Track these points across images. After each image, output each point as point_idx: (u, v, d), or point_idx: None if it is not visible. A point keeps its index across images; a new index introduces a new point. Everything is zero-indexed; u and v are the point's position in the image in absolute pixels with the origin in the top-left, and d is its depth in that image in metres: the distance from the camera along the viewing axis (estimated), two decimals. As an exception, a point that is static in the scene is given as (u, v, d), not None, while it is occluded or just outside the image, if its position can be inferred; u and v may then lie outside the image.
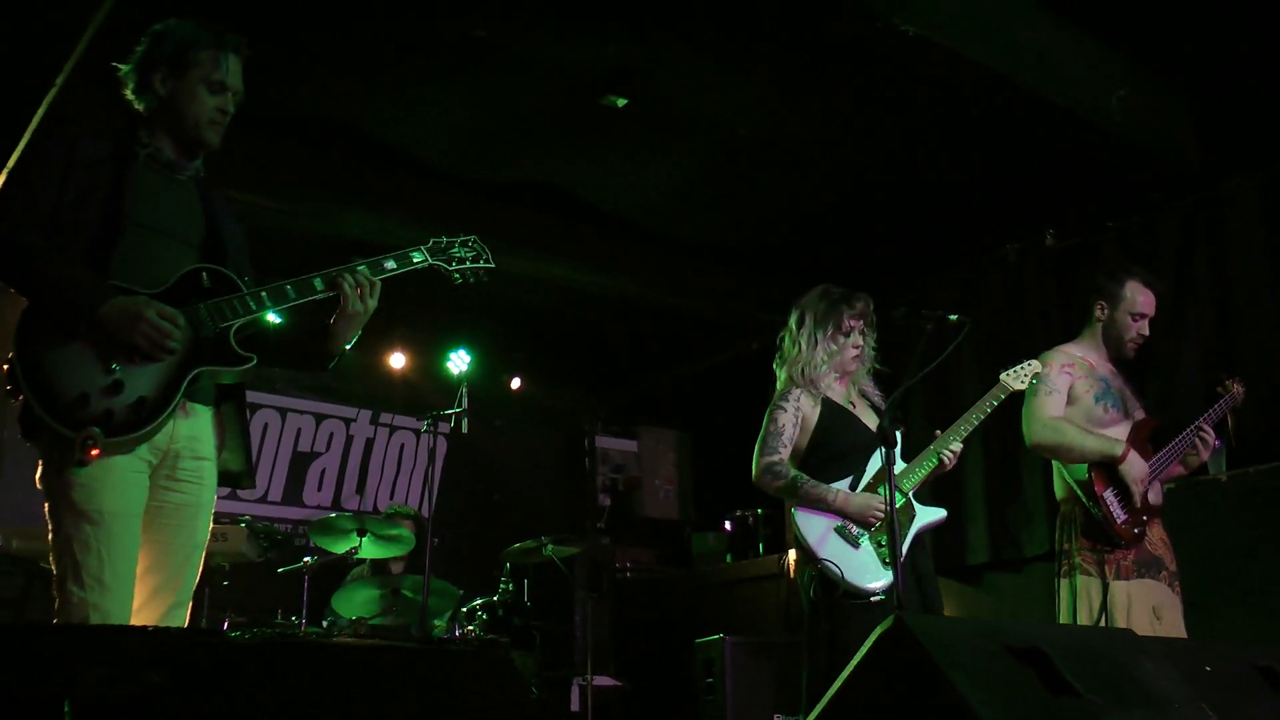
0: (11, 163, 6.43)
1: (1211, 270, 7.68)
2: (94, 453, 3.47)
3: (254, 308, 3.90)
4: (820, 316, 5.48)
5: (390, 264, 4.26)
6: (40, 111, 6.44)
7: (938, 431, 5.37)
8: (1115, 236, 8.18)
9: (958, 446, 5.32)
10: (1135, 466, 5.37)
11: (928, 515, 5.34)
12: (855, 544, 5.12)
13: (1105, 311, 5.70)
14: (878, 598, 5.09)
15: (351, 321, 4.14)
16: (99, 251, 3.66)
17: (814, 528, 5.13)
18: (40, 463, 3.60)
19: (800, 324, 5.52)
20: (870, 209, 8.83)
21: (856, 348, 5.47)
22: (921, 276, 9.19)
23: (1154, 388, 7.32)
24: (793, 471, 5.27)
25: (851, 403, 5.50)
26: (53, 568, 3.59)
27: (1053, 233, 8.52)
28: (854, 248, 9.12)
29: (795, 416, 5.38)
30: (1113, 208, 8.21)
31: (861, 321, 5.49)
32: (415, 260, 4.40)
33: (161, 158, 3.95)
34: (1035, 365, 5.47)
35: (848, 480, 5.21)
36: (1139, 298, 5.67)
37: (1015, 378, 5.42)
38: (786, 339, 5.58)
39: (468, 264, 4.58)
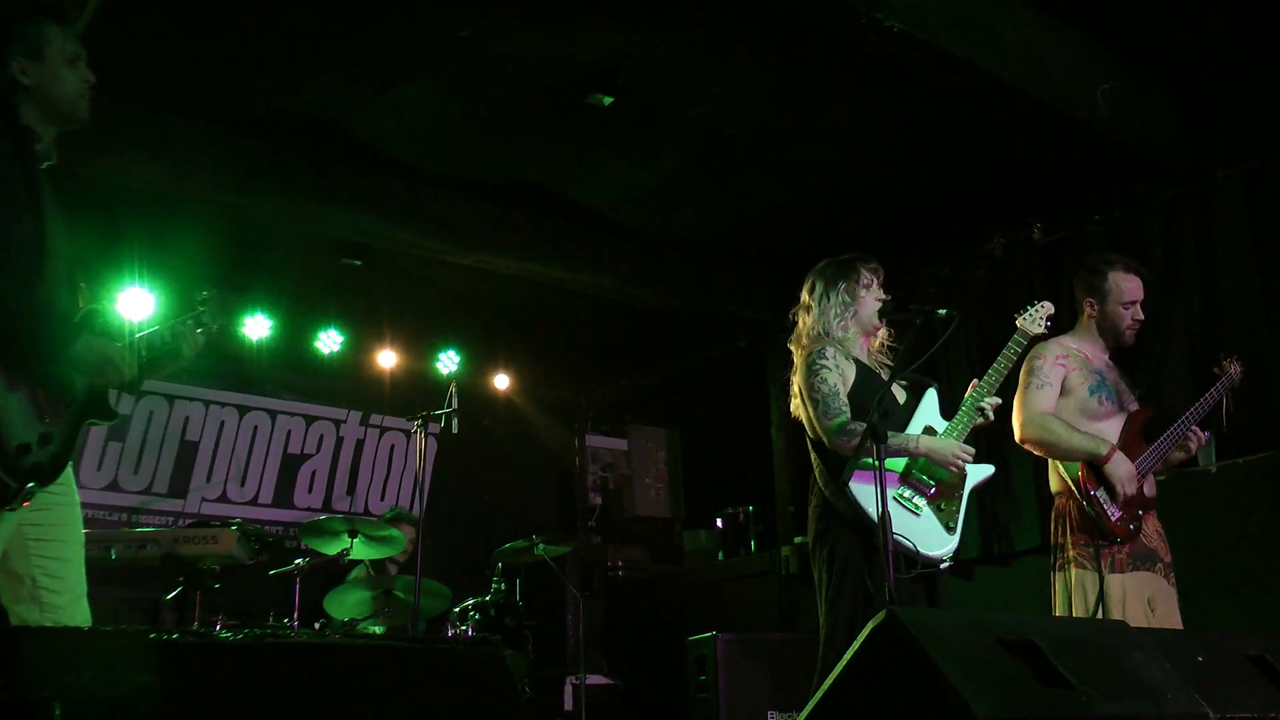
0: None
1: (1198, 262, 7.70)
2: (26, 504, 3.56)
3: (158, 344, 4.06)
4: (834, 276, 5.38)
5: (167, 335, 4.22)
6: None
7: (975, 380, 5.34)
8: (1101, 229, 8.19)
9: (995, 400, 5.28)
10: (1121, 467, 5.36)
11: (979, 472, 5.31)
12: (917, 513, 5.06)
13: (1095, 308, 5.68)
14: (946, 564, 5.09)
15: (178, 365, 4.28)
16: (30, 278, 3.62)
17: (873, 500, 5.01)
18: None
19: (813, 290, 5.42)
20: (856, 204, 8.84)
21: (878, 300, 5.37)
22: (908, 271, 9.19)
23: (1143, 379, 7.32)
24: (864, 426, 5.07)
25: (877, 373, 5.40)
26: None
27: (1039, 226, 8.53)
28: (840, 243, 9.08)
29: (838, 373, 5.20)
30: (1099, 201, 8.22)
31: (874, 279, 5.45)
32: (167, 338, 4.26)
33: (41, 149, 3.87)
34: (1048, 306, 5.48)
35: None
36: (1125, 285, 5.65)
37: (1030, 320, 5.41)
38: (801, 313, 5.45)
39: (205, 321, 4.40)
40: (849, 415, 5.09)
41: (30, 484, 3.52)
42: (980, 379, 5.33)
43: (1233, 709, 3.50)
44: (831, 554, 5.06)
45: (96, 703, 2.24)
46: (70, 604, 3.79)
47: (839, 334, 5.30)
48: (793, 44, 6.85)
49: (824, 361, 5.21)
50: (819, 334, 5.32)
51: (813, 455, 5.28)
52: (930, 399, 5.39)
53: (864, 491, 4.97)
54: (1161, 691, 3.38)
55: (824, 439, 5.15)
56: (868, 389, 5.17)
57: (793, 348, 5.47)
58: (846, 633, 4.90)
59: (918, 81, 7.03)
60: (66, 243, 3.87)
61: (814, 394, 5.17)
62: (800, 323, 5.46)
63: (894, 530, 4.89)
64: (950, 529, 5.13)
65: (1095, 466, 5.37)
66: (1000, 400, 5.34)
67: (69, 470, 3.85)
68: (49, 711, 2.17)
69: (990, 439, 8.41)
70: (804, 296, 5.47)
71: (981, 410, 5.29)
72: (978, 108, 7.33)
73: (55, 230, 3.80)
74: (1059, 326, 6.01)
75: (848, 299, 5.33)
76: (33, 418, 3.55)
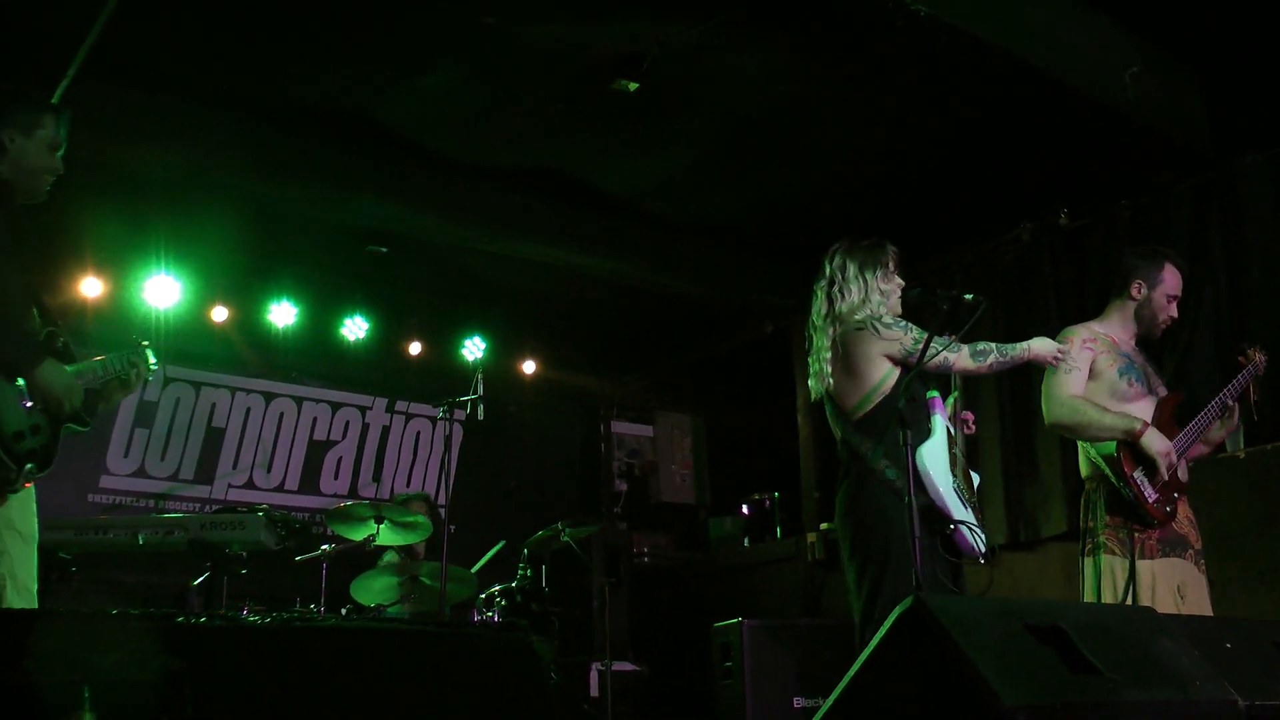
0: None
1: (1225, 247, 7.66)
2: (28, 484, 4.19)
3: (100, 375, 4.55)
4: (866, 260, 5.33)
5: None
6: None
7: (955, 393, 5.35)
8: (1129, 215, 8.16)
9: (968, 413, 5.33)
10: (1156, 440, 5.34)
11: (974, 479, 5.36)
12: (965, 505, 5.05)
13: (1142, 291, 5.67)
14: (984, 561, 5.08)
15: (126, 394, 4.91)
16: (9, 305, 4.21)
17: (942, 486, 5.00)
18: None
19: (844, 269, 5.33)
20: (883, 189, 8.80)
21: (899, 286, 5.35)
22: (935, 256, 9.17)
23: (1169, 365, 7.30)
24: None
25: None
26: None
27: (1066, 212, 8.50)
28: (866, 230, 9.07)
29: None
30: (1126, 186, 8.18)
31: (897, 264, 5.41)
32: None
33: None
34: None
35: (932, 441, 5.10)
36: (1174, 280, 5.67)
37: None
38: (830, 290, 5.35)
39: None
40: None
41: (29, 465, 4.10)
42: (955, 391, 5.34)
43: (1261, 696, 3.49)
44: (883, 537, 4.94)
45: (125, 685, 2.25)
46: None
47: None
48: (818, 29, 6.82)
49: (906, 322, 5.21)
50: (865, 316, 5.24)
51: (853, 438, 5.17)
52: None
53: (932, 481, 4.98)
54: (1190, 679, 3.37)
55: (968, 368, 5.23)
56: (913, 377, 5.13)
57: (821, 323, 5.36)
58: None
59: (944, 66, 7.00)
60: (27, 272, 4.41)
61: (932, 347, 5.05)
62: (833, 300, 5.33)
63: (961, 520, 4.93)
64: (981, 526, 5.13)
65: (1132, 446, 5.35)
66: (972, 414, 5.39)
67: None
68: (78, 694, 2.19)
69: (1016, 425, 8.46)
70: (835, 274, 5.37)
71: (965, 421, 5.30)
72: (1004, 92, 7.30)
73: (19, 263, 4.33)
74: (1087, 314, 5.99)
75: (885, 288, 5.29)
76: (22, 410, 4.12)
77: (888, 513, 4.91)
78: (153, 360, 4.87)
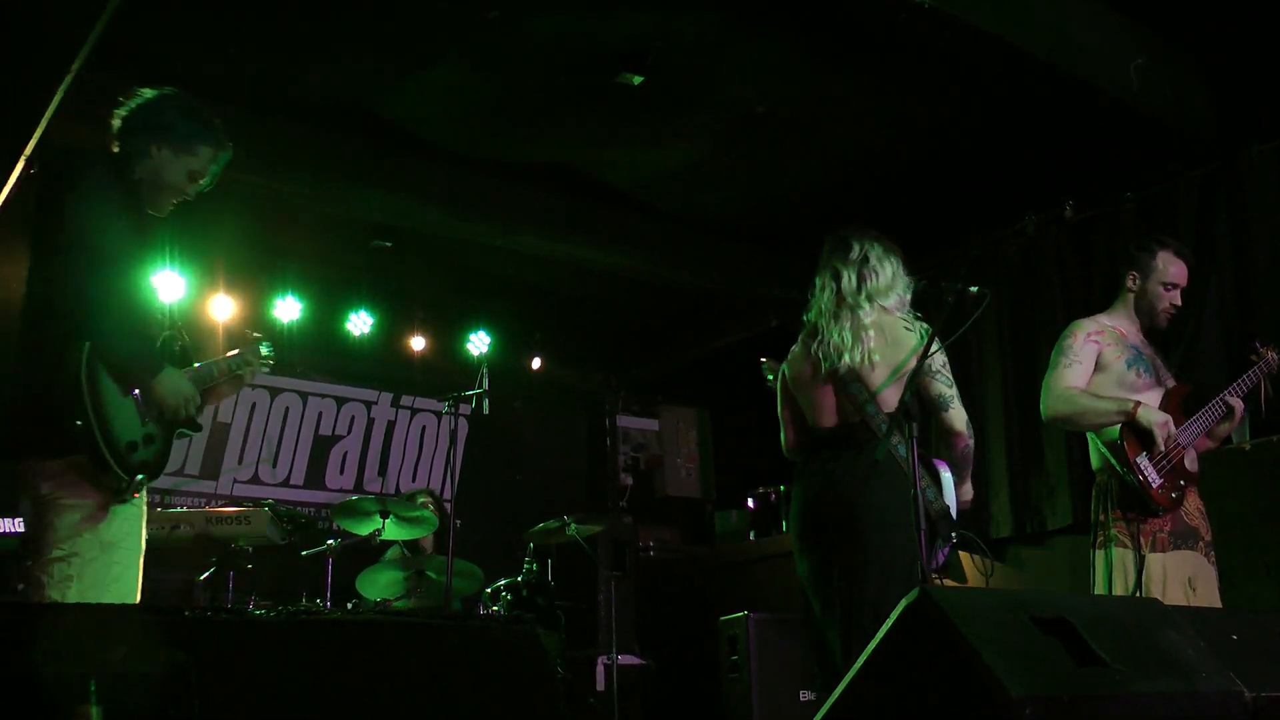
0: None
1: (1231, 239, 7.65)
2: (136, 495, 4.10)
3: (207, 380, 4.55)
4: (886, 245, 5.22)
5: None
6: (52, 106, 6.41)
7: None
8: (1134, 207, 8.14)
9: None
10: (1151, 412, 5.35)
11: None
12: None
13: (1137, 282, 5.66)
14: (939, 579, 5.04)
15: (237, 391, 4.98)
16: (135, 312, 4.24)
17: (953, 495, 5.00)
18: (67, 495, 3.96)
19: (872, 248, 5.19)
20: (888, 183, 8.80)
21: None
22: (940, 249, 9.15)
23: (1176, 356, 7.29)
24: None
25: None
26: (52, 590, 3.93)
27: (1071, 204, 8.48)
28: (872, 222, 9.05)
29: None
30: (1131, 178, 8.16)
31: None
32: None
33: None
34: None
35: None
36: (1170, 268, 5.64)
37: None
38: (862, 270, 5.15)
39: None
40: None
41: (140, 475, 4.05)
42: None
43: (1268, 687, 3.49)
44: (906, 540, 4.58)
45: (131, 678, 2.25)
46: None
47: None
48: (823, 22, 6.81)
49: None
50: (895, 303, 5.17)
51: (884, 423, 4.92)
52: None
53: (949, 486, 4.99)
54: (1196, 670, 3.36)
55: (954, 427, 5.01)
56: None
57: (854, 300, 5.12)
58: None
59: (948, 59, 6.99)
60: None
61: (947, 371, 5.02)
62: (864, 278, 5.13)
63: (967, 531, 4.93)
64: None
65: (1134, 430, 5.35)
66: None
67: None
68: (84, 687, 2.19)
69: (1021, 418, 8.44)
70: (866, 252, 5.19)
71: None
72: (1009, 85, 7.29)
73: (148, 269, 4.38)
74: (1093, 307, 5.98)
75: (907, 281, 5.23)
76: (138, 420, 4.10)
77: (907, 517, 4.45)
78: (266, 350, 4.91)
